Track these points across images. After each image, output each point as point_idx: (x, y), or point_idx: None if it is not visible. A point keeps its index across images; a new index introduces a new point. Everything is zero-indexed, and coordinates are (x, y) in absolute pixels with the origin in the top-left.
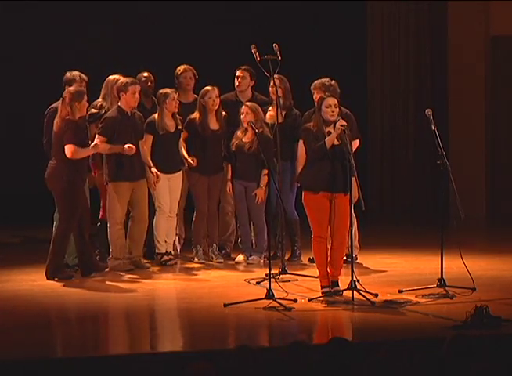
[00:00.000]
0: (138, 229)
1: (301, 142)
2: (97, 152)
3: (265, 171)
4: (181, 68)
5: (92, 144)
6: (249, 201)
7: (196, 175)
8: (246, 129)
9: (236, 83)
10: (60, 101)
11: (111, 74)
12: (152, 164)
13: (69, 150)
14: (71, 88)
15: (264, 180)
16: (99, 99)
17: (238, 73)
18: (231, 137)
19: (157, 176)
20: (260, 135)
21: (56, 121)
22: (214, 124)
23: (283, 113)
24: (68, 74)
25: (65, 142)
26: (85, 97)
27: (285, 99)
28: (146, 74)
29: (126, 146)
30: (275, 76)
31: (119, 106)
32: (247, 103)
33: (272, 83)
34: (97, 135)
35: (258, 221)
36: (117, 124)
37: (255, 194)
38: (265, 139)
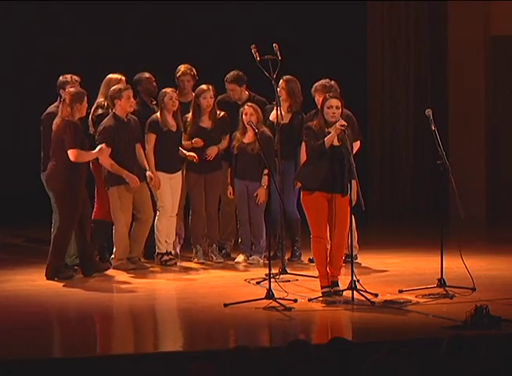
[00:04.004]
0: (143, 230)
1: (303, 142)
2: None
3: (266, 171)
4: (180, 69)
5: (98, 148)
6: (250, 201)
7: (193, 176)
8: (246, 130)
9: (229, 94)
10: (61, 103)
11: (111, 73)
12: (148, 168)
13: (72, 154)
14: (72, 89)
15: (265, 180)
16: (101, 99)
17: (226, 85)
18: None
19: (151, 179)
20: (261, 136)
21: (56, 120)
22: (205, 123)
23: (289, 115)
24: (61, 78)
25: (67, 147)
26: (85, 98)
27: (291, 101)
28: (147, 74)
29: (130, 177)
30: (284, 77)
31: (114, 114)
32: (249, 104)
33: (279, 83)
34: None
35: (257, 220)
36: (116, 131)
37: (257, 194)
38: (265, 139)
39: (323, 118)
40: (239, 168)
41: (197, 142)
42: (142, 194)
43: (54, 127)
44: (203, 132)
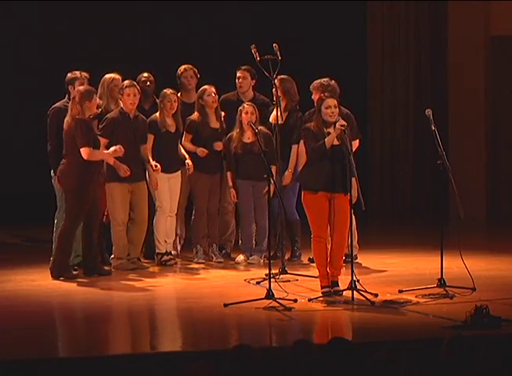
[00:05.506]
0: (138, 231)
1: (301, 142)
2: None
3: (274, 168)
4: (181, 68)
5: (112, 149)
6: (256, 201)
7: (197, 174)
8: (243, 129)
9: (238, 84)
10: (71, 101)
11: (107, 73)
12: (150, 159)
13: (85, 152)
14: (81, 88)
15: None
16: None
17: (238, 73)
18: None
19: (156, 166)
20: (261, 134)
21: (67, 119)
22: (214, 123)
23: (285, 114)
24: (69, 74)
25: (79, 145)
26: (95, 96)
27: (286, 100)
28: (145, 74)
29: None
30: (278, 77)
31: (121, 108)
32: (248, 103)
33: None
34: (99, 137)
35: (263, 222)
36: (117, 125)
37: (265, 192)
38: (265, 137)
39: (321, 118)
40: (244, 168)
41: (219, 145)
42: (139, 194)
43: (65, 126)
44: (213, 133)
